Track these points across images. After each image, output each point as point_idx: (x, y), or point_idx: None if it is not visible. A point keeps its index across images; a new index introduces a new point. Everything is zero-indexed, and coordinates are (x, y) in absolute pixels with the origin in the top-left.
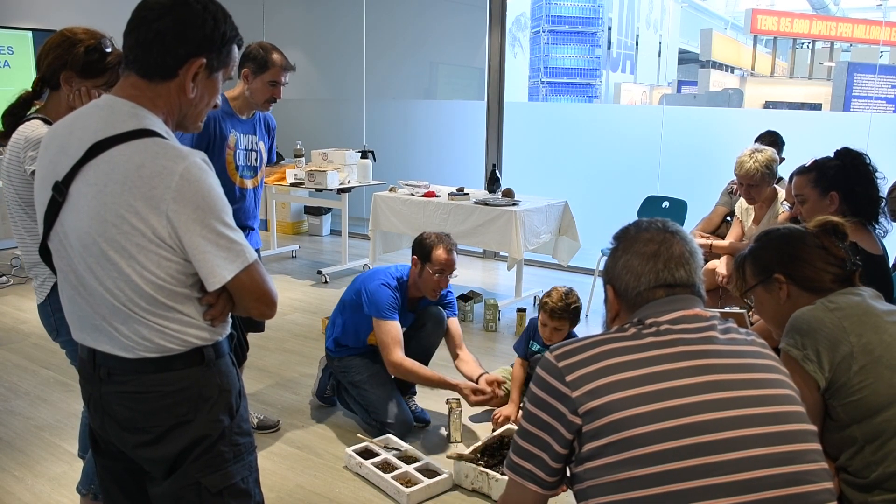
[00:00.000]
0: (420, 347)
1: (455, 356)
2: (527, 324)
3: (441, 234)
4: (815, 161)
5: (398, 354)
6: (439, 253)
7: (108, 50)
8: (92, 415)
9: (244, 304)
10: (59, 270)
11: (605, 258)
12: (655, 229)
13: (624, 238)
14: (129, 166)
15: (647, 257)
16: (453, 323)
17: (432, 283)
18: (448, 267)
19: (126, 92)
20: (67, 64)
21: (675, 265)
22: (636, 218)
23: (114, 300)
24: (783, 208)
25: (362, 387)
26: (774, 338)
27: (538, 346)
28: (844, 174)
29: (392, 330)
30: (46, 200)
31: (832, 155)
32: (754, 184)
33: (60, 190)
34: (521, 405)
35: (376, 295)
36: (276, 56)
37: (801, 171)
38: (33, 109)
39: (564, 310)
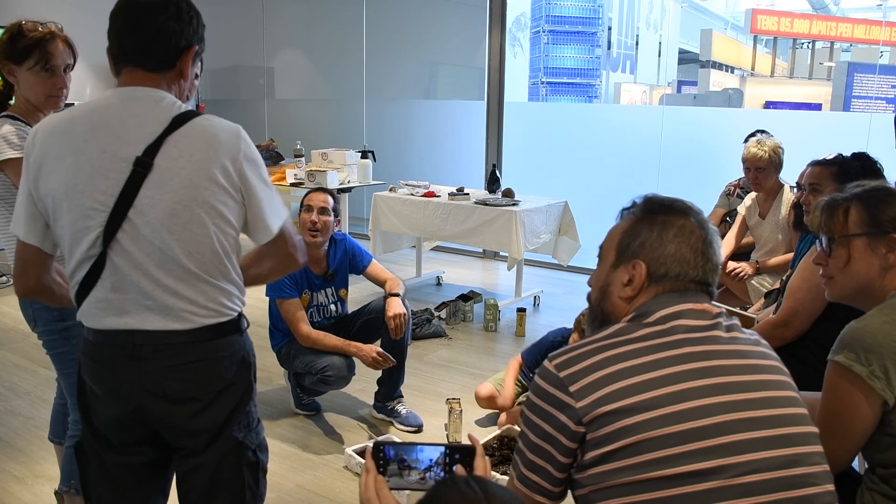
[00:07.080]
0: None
1: (383, 284)
2: (543, 338)
3: None
4: (840, 155)
5: (304, 327)
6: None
7: (28, 29)
8: (119, 403)
9: (282, 255)
10: (116, 255)
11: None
12: (696, 222)
13: (671, 223)
14: (208, 135)
15: (696, 252)
16: (373, 266)
17: (306, 224)
18: (312, 200)
19: (144, 83)
20: (1, 56)
21: (713, 266)
22: None
23: (192, 265)
24: (793, 192)
25: (305, 356)
26: (797, 313)
27: None
28: (864, 177)
29: (291, 307)
30: (100, 188)
31: (851, 155)
32: (762, 167)
33: (145, 163)
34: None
35: None
36: None
37: (823, 163)
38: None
39: None
